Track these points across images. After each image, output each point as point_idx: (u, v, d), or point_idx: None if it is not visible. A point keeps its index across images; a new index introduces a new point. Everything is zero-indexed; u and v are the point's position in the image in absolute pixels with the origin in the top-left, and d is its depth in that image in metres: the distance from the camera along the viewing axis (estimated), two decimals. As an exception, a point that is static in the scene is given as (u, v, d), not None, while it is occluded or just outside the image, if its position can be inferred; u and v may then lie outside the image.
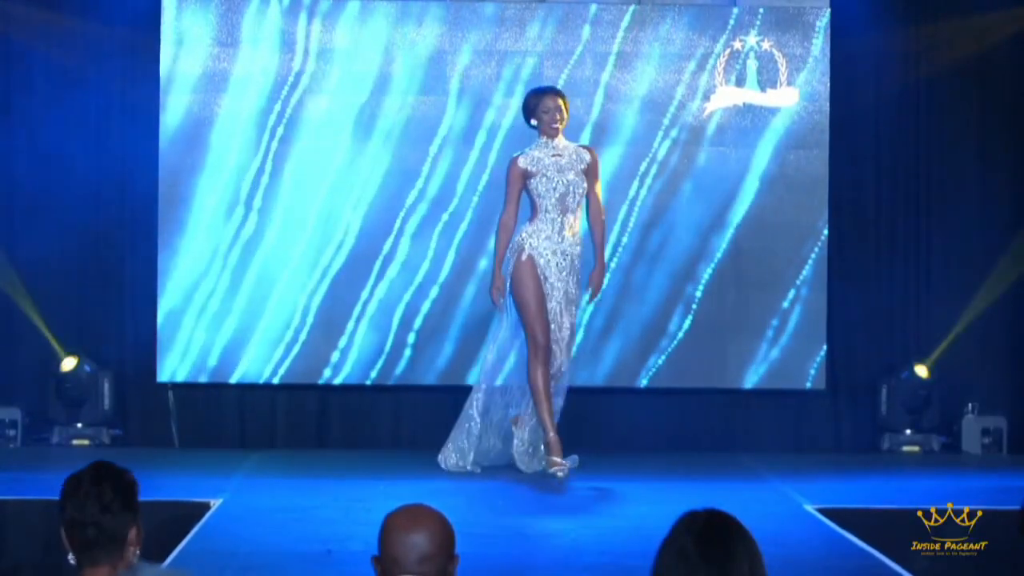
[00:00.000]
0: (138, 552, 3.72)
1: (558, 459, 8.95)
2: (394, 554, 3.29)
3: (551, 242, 9.06)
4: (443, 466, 9.40)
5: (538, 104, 9.15)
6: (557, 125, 9.11)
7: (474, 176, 10.76)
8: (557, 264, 9.08)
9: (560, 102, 9.13)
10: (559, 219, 9.08)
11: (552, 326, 9.05)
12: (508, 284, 9.14)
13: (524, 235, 9.08)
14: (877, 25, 11.03)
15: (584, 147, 9.32)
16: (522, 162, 9.09)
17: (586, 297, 9.36)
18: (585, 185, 9.11)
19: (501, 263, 9.17)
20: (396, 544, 3.29)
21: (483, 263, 10.75)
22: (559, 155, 9.12)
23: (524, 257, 9.05)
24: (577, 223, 9.12)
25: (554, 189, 9.07)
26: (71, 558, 3.71)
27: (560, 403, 9.25)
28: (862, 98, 11.05)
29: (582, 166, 9.13)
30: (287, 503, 8.22)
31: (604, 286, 9.43)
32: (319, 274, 10.72)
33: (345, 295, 10.71)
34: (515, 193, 9.12)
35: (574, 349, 9.41)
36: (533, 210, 9.12)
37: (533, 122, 9.16)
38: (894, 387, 10.92)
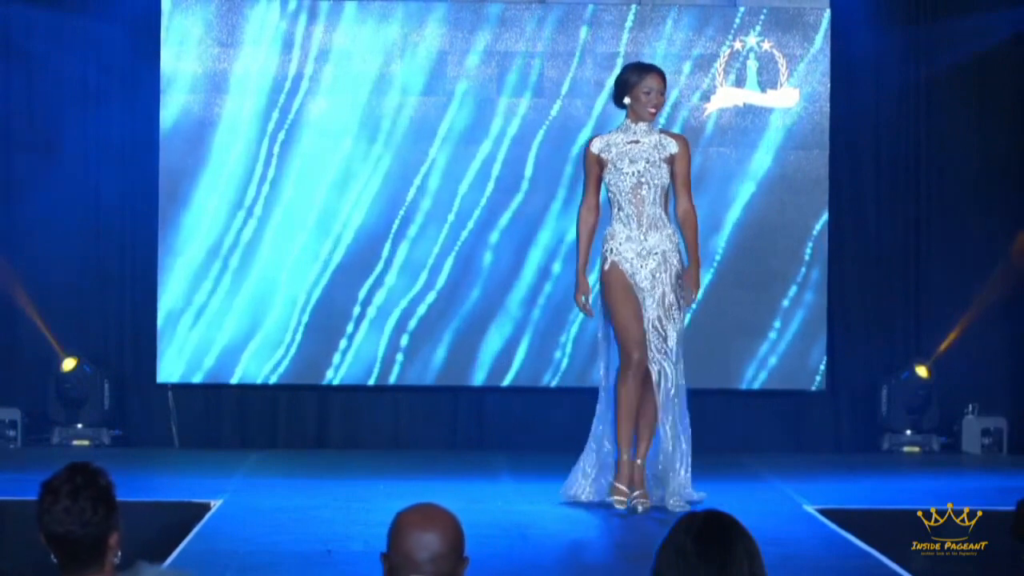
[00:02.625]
0: (119, 554, 3.71)
1: (623, 487, 7.93)
2: (406, 552, 3.28)
3: (633, 243, 8.00)
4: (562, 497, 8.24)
5: (640, 82, 8.04)
6: (654, 109, 8.06)
7: (474, 177, 10.76)
8: (645, 266, 8.00)
9: (663, 84, 8.10)
10: (637, 215, 8.01)
11: (652, 336, 7.92)
12: (597, 295, 8.20)
13: (606, 238, 8.06)
14: (877, 25, 11.02)
15: (672, 135, 8.22)
16: (595, 147, 8.09)
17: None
18: (666, 176, 8.01)
19: (582, 263, 8.11)
20: (409, 542, 3.28)
21: (484, 263, 10.76)
22: (636, 141, 8.05)
23: (608, 265, 8.01)
24: (664, 217, 8.04)
25: (626, 181, 8.00)
26: (54, 557, 3.70)
27: (666, 425, 8.02)
28: (862, 98, 11.04)
29: (663, 155, 8.01)
30: (287, 503, 8.22)
31: (700, 291, 8.30)
32: (319, 274, 10.72)
33: (345, 295, 10.71)
34: (591, 182, 8.11)
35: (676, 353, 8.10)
36: (610, 208, 8.12)
37: (626, 100, 8.06)
38: (894, 387, 10.92)
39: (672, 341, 7.94)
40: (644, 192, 7.99)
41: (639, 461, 7.97)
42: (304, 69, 10.72)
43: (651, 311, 7.92)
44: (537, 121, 10.76)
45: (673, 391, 7.96)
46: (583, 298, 8.08)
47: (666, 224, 8.01)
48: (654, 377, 7.91)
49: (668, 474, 8.00)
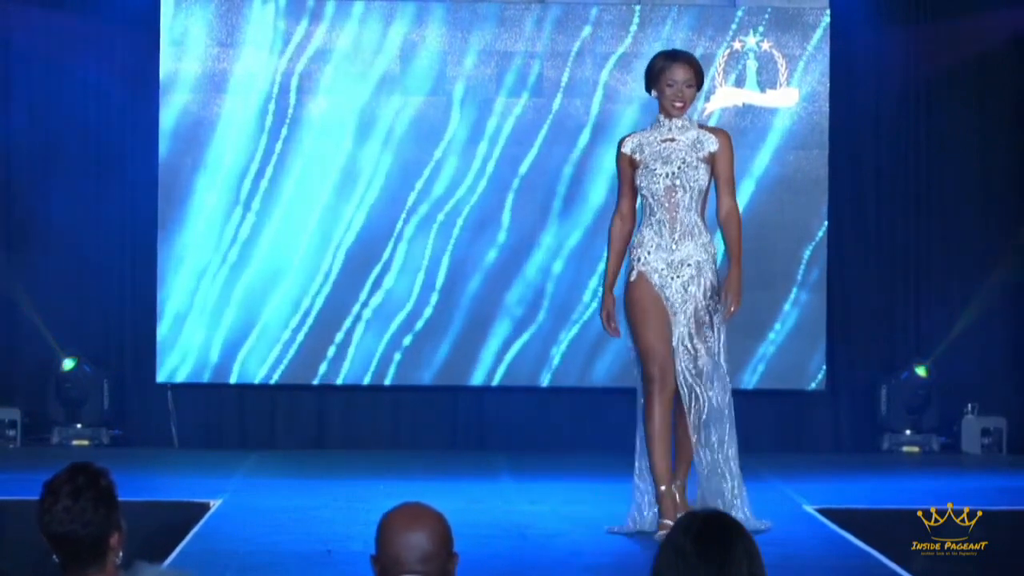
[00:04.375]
0: (121, 554, 3.72)
1: (670, 522, 6.79)
2: (395, 553, 3.29)
3: (664, 252, 7.13)
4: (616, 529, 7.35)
5: (663, 72, 7.20)
6: (680, 103, 7.16)
7: (475, 177, 10.76)
8: (677, 278, 7.14)
9: (691, 74, 7.18)
10: (670, 221, 7.14)
11: (683, 357, 7.10)
12: (620, 309, 7.26)
13: (634, 246, 7.20)
14: (877, 25, 11.02)
15: (713, 130, 7.35)
16: (626, 147, 7.23)
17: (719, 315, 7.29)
18: (706, 177, 7.15)
19: (611, 277, 7.27)
20: (397, 543, 3.29)
21: (483, 263, 10.75)
22: (671, 139, 7.18)
23: (634, 276, 7.16)
24: (701, 224, 7.20)
25: (658, 183, 7.12)
26: (55, 557, 3.71)
27: (706, 453, 7.31)
28: (862, 98, 11.04)
29: (702, 154, 7.15)
30: (287, 503, 8.22)
31: (740, 300, 7.33)
32: (319, 274, 10.72)
33: (345, 295, 10.71)
34: (626, 185, 7.24)
35: (725, 376, 7.31)
36: (642, 212, 7.26)
37: (653, 93, 7.26)
38: (894, 387, 10.92)
39: (703, 362, 7.12)
40: (679, 196, 7.13)
41: (677, 493, 7.16)
42: (304, 69, 10.72)
43: (681, 328, 7.11)
44: (536, 121, 10.76)
45: (706, 415, 7.18)
46: (607, 318, 7.22)
47: (702, 232, 7.19)
48: (685, 402, 7.11)
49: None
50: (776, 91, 10.84)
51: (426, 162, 10.75)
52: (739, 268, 7.25)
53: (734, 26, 10.83)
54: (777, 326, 10.84)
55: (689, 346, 7.11)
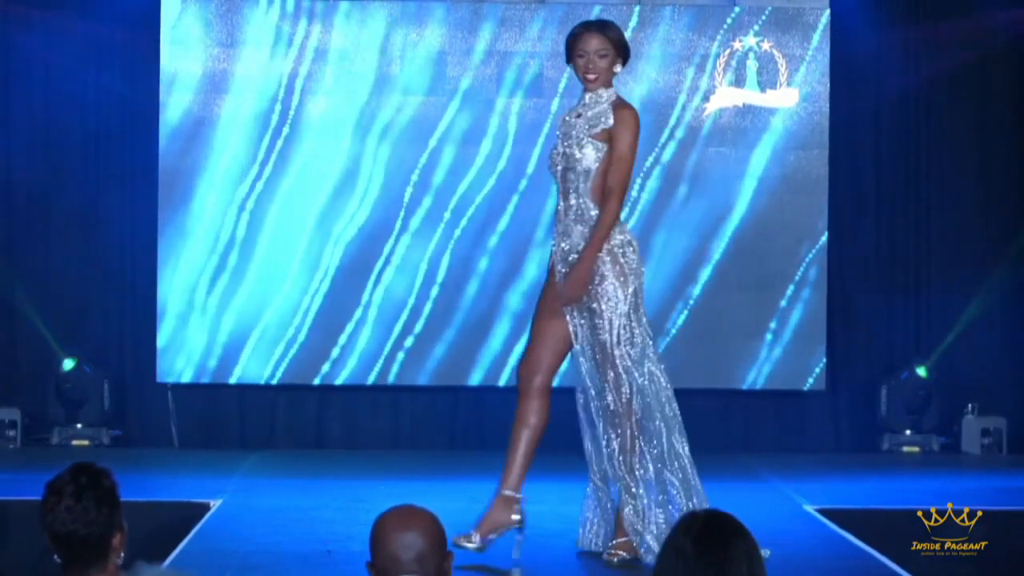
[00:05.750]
0: (123, 555, 3.72)
1: (471, 535, 6.51)
2: (390, 555, 3.29)
3: (560, 239, 6.59)
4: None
5: (575, 42, 6.57)
6: (592, 76, 6.53)
7: (474, 177, 10.76)
8: (565, 269, 6.56)
9: (603, 43, 6.52)
10: (564, 207, 6.57)
11: (584, 370, 6.52)
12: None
13: None
14: (877, 25, 11.03)
15: (621, 105, 6.56)
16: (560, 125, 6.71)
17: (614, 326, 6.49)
18: (594, 156, 6.49)
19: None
20: (391, 545, 3.29)
21: (483, 263, 10.76)
22: (579, 115, 6.58)
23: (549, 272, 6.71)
24: (592, 209, 6.51)
25: (557, 164, 6.59)
26: (57, 557, 3.71)
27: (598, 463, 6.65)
28: (862, 98, 11.05)
29: (595, 131, 6.52)
30: (287, 503, 8.22)
31: (576, 291, 6.43)
32: (319, 274, 10.72)
33: (345, 295, 10.71)
34: None
35: (635, 404, 6.48)
36: None
37: (572, 65, 6.65)
38: (894, 387, 10.92)
39: (609, 377, 6.45)
40: (570, 178, 6.53)
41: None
42: (304, 69, 10.72)
43: (572, 327, 6.52)
44: (537, 121, 10.76)
45: (603, 420, 6.55)
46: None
47: (592, 219, 6.49)
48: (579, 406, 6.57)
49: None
50: (776, 91, 10.84)
51: (426, 162, 10.74)
52: (584, 262, 6.41)
53: (734, 26, 10.83)
54: (776, 326, 10.84)
55: (589, 357, 6.50)
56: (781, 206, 10.84)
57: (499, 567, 6.43)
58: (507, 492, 6.57)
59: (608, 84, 6.57)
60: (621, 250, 6.48)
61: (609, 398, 6.47)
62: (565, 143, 6.55)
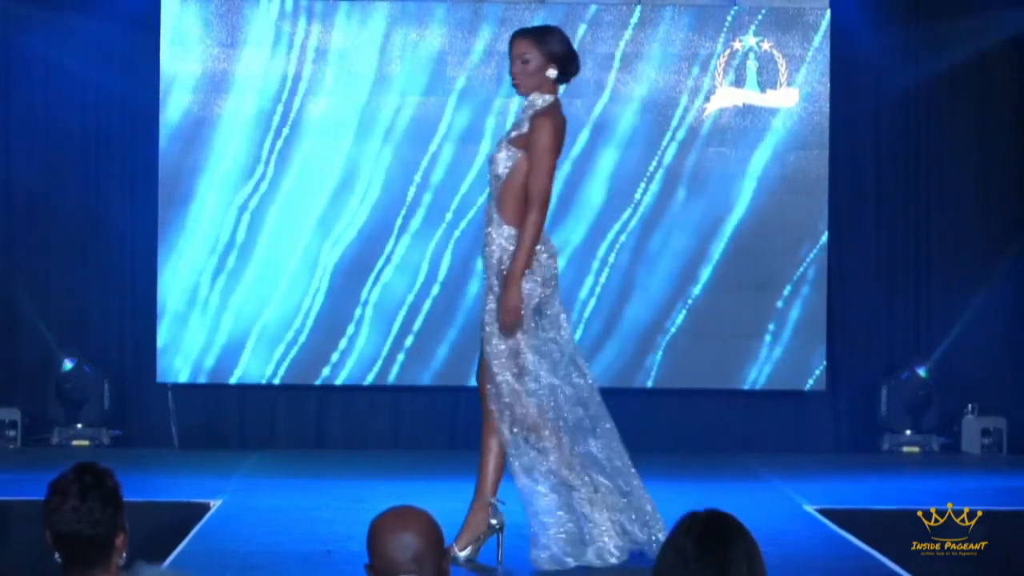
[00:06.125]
0: (125, 555, 3.72)
1: (451, 547, 6.28)
2: (388, 556, 3.29)
3: (486, 247, 6.54)
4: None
5: (509, 49, 6.47)
6: (517, 81, 6.37)
7: (475, 177, 10.76)
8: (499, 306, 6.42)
9: (526, 46, 6.36)
10: (487, 214, 6.55)
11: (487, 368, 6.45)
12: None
13: None
14: (877, 25, 11.03)
15: (538, 112, 6.35)
16: None
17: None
18: (507, 164, 6.37)
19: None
20: (389, 546, 3.29)
21: (481, 264, 10.74)
22: (515, 122, 6.53)
23: None
24: (498, 218, 6.46)
25: (489, 172, 6.56)
26: (58, 556, 3.71)
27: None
28: (862, 98, 11.05)
29: (511, 136, 6.42)
30: (287, 503, 8.22)
31: (509, 320, 6.34)
32: (319, 274, 10.72)
33: (345, 295, 10.71)
34: None
35: (504, 415, 6.39)
36: None
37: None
38: (894, 387, 10.92)
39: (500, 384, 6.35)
40: (490, 180, 6.51)
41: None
42: (304, 69, 10.72)
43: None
44: (537, 121, 10.74)
45: (517, 428, 6.44)
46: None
47: (501, 227, 6.41)
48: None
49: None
50: (776, 91, 10.84)
51: (426, 162, 10.74)
52: (512, 285, 6.32)
53: (734, 26, 10.82)
54: (775, 327, 10.84)
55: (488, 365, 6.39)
56: (781, 206, 10.84)
57: (491, 565, 6.43)
58: (483, 499, 6.45)
59: (541, 90, 6.38)
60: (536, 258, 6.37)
61: (521, 409, 6.42)
62: (494, 150, 6.49)
